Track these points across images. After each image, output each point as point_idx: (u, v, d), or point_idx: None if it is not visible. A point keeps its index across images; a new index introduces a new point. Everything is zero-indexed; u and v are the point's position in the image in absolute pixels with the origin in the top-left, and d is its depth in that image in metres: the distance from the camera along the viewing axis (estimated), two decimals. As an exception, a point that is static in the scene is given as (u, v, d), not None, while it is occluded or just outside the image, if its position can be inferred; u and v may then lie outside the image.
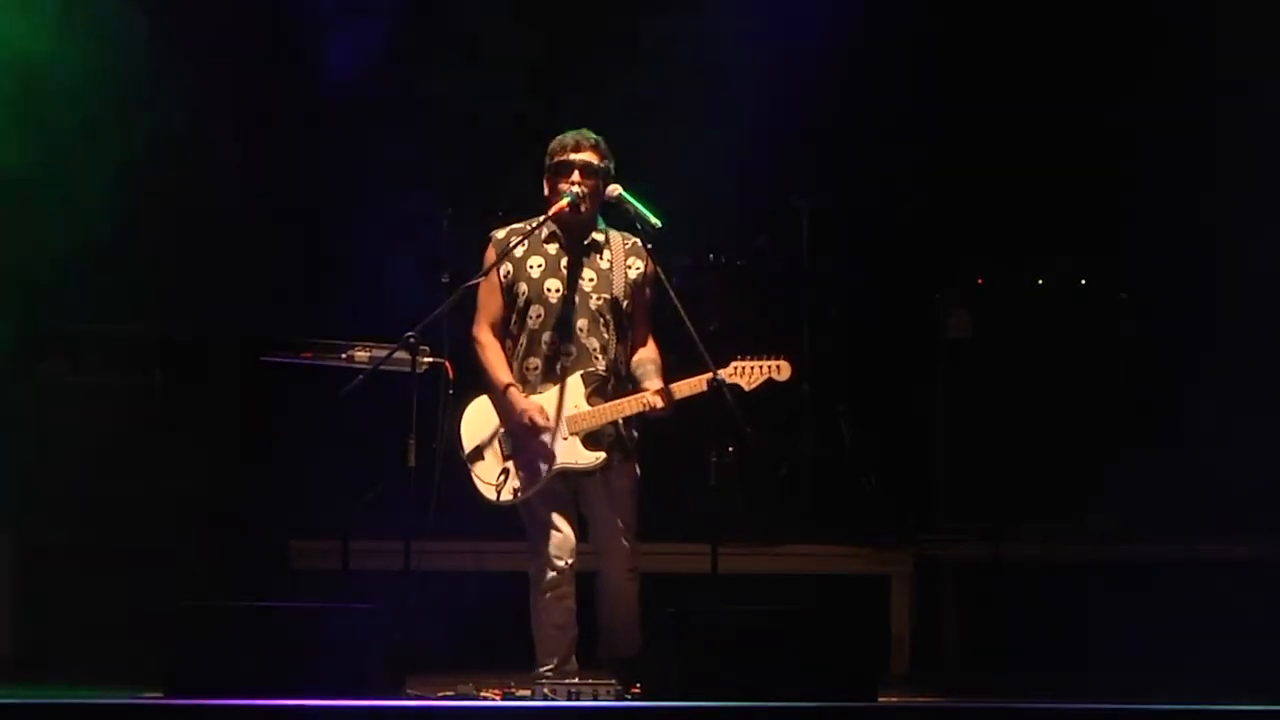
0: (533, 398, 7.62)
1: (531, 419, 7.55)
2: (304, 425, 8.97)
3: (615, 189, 7.64)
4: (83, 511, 8.80)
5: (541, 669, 7.60)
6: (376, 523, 8.07)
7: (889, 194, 9.96)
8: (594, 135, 7.67)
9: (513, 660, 7.85)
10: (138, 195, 9.26)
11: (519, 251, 7.68)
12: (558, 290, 7.66)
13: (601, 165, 7.63)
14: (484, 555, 8.83)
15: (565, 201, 7.61)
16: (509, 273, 7.70)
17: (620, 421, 7.62)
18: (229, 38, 9.57)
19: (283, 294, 9.47)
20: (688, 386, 7.55)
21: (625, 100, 9.41)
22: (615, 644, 7.62)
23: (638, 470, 7.69)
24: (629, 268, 7.72)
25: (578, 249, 7.70)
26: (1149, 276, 9.73)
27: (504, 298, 7.71)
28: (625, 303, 7.68)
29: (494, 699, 7.38)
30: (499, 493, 7.62)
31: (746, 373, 7.59)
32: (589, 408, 7.59)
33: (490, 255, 7.72)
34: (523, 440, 7.61)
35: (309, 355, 8.24)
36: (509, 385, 7.61)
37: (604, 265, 7.70)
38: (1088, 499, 9.37)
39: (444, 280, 8.72)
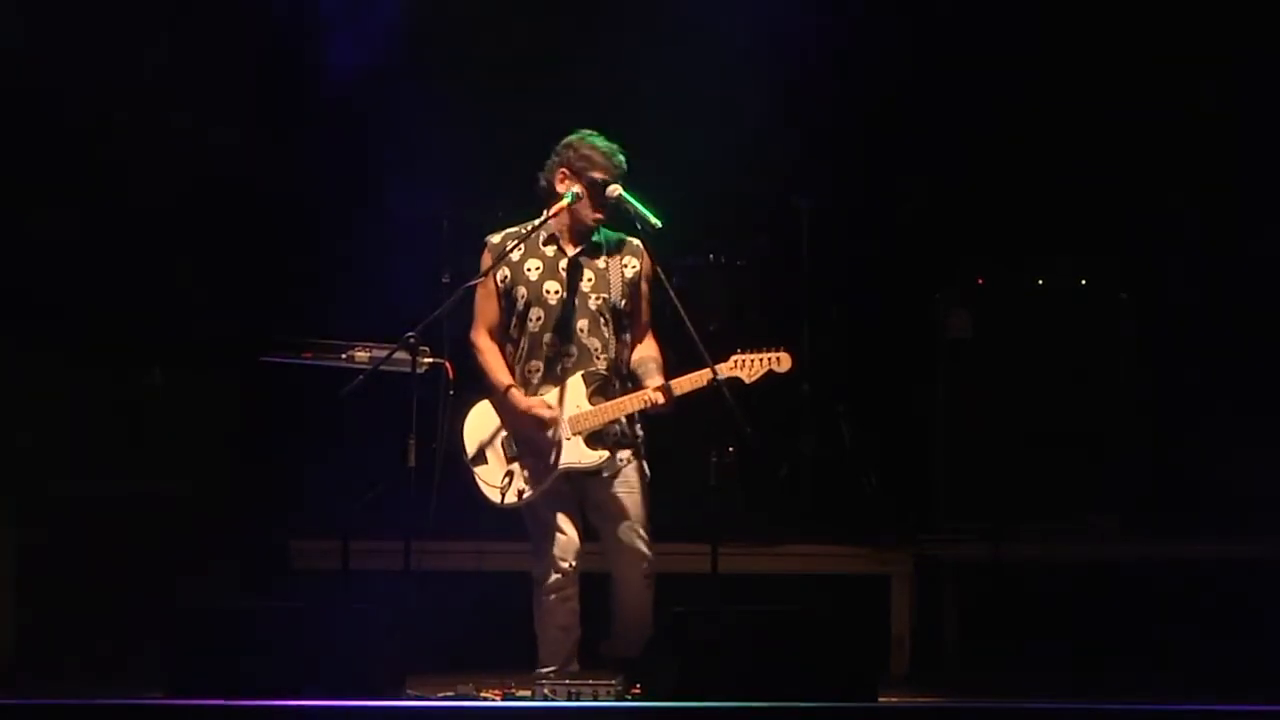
0: (534, 398, 7.61)
1: (538, 416, 7.55)
2: (304, 425, 8.96)
3: (615, 189, 7.64)
4: (83, 511, 8.80)
5: (543, 670, 7.60)
6: (376, 523, 8.07)
7: (889, 194, 9.95)
8: (622, 155, 7.65)
9: (513, 660, 7.85)
10: (138, 195, 9.27)
11: (515, 255, 7.68)
12: (556, 292, 7.66)
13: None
14: (484, 555, 8.82)
15: (566, 201, 7.62)
16: (506, 277, 7.70)
17: (624, 419, 7.62)
18: (230, 37, 9.57)
19: (283, 294, 9.47)
20: (689, 382, 7.56)
21: (625, 100, 9.40)
22: (629, 644, 7.59)
23: (646, 469, 7.69)
24: (625, 267, 7.72)
25: (575, 250, 7.70)
26: (1149, 276, 9.73)
27: (501, 302, 7.71)
28: (624, 302, 7.69)
29: (494, 699, 7.37)
30: (504, 495, 7.62)
31: (747, 365, 7.60)
32: (591, 407, 7.59)
33: (486, 259, 7.72)
34: (528, 440, 7.60)
35: (309, 355, 8.24)
36: (510, 387, 7.61)
37: (601, 265, 7.70)
38: (1088, 499, 9.37)
39: (444, 281, 8.72)
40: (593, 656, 7.72)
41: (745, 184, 9.82)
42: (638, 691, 7.21)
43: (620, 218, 7.71)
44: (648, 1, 9.88)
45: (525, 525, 7.70)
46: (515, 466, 7.63)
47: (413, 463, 7.46)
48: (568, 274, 7.68)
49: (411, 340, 7.51)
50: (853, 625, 7.15)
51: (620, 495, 7.63)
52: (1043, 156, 9.91)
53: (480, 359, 7.69)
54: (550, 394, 7.62)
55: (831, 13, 9.80)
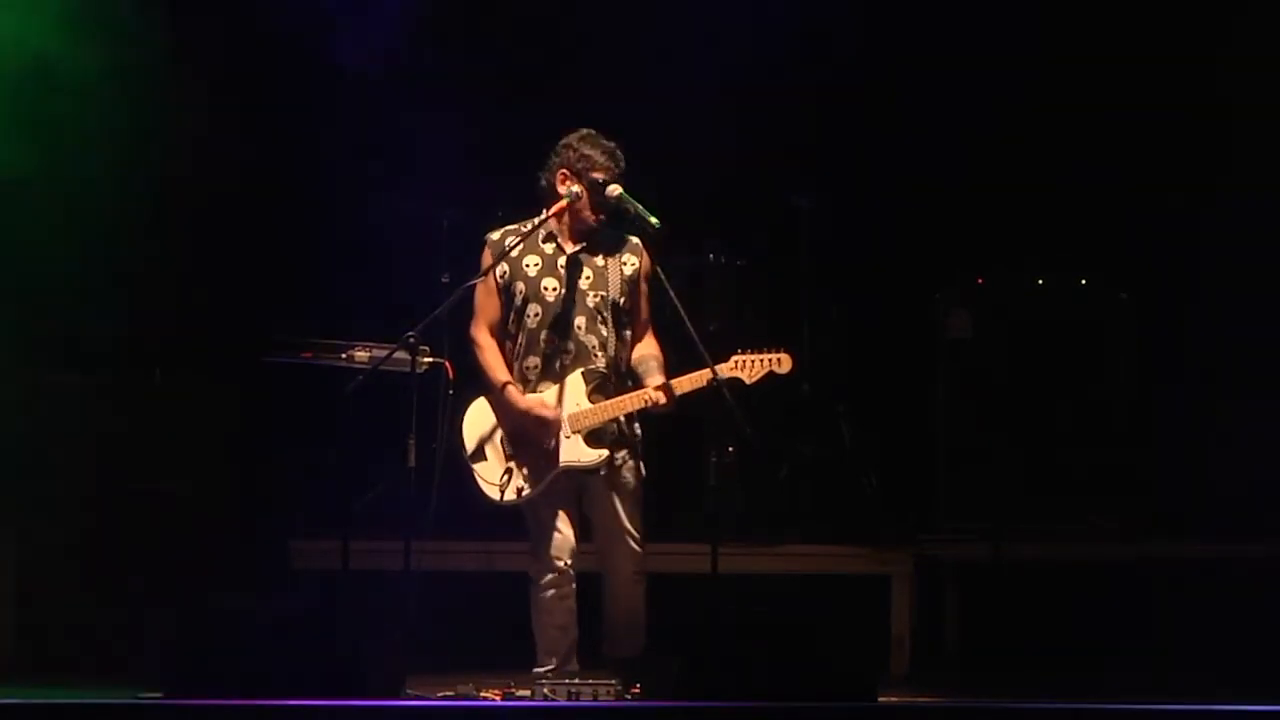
0: (532, 396, 7.62)
1: (536, 415, 7.56)
2: (304, 425, 8.96)
3: (615, 189, 7.64)
4: (83, 511, 8.80)
5: (541, 669, 7.61)
6: (376, 523, 8.07)
7: (889, 194, 9.95)
8: (620, 155, 7.67)
9: (513, 660, 7.84)
10: (138, 195, 9.27)
11: (515, 252, 7.69)
12: (555, 289, 7.67)
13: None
14: (484, 555, 8.82)
15: (566, 201, 7.62)
16: (505, 273, 7.70)
17: (622, 418, 7.62)
18: (231, 38, 9.57)
19: (283, 294, 9.47)
20: (689, 382, 7.56)
21: (625, 100, 9.40)
22: (620, 644, 7.62)
23: (643, 468, 7.70)
24: (624, 265, 7.72)
25: (575, 248, 7.70)
26: (1149, 276, 9.73)
27: (501, 298, 7.71)
28: (623, 300, 7.69)
29: (494, 699, 7.37)
30: (502, 493, 7.62)
31: (747, 366, 7.61)
32: (590, 405, 7.59)
33: (486, 257, 7.72)
34: (525, 439, 7.61)
35: (309, 355, 8.24)
36: (507, 384, 7.61)
37: (600, 263, 7.70)
38: (1088, 499, 9.37)
39: (444, 280, 8.72)
40: (593, 656, 7.72)
41: (745, 184, 9.82)
42: (637, 691, 7.21)
43: (620, 218, 7.71)
44: (648, 1, 9.88)
45: (524, 523, 7.70)
46: (514, 464, 7.63)
47: (413, 463, 7.46)
48: (566, 271, 7.68)
49: (411, 340, 7.51)
50: (853, 625, 7.14)
51: (615, 494, 7.63)
52: (1043, 156, 9.91)
53: (479, 355, 7.70)
54: (549, 391, 7.62)
55: (831, 12, 9.80)
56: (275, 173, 9.59)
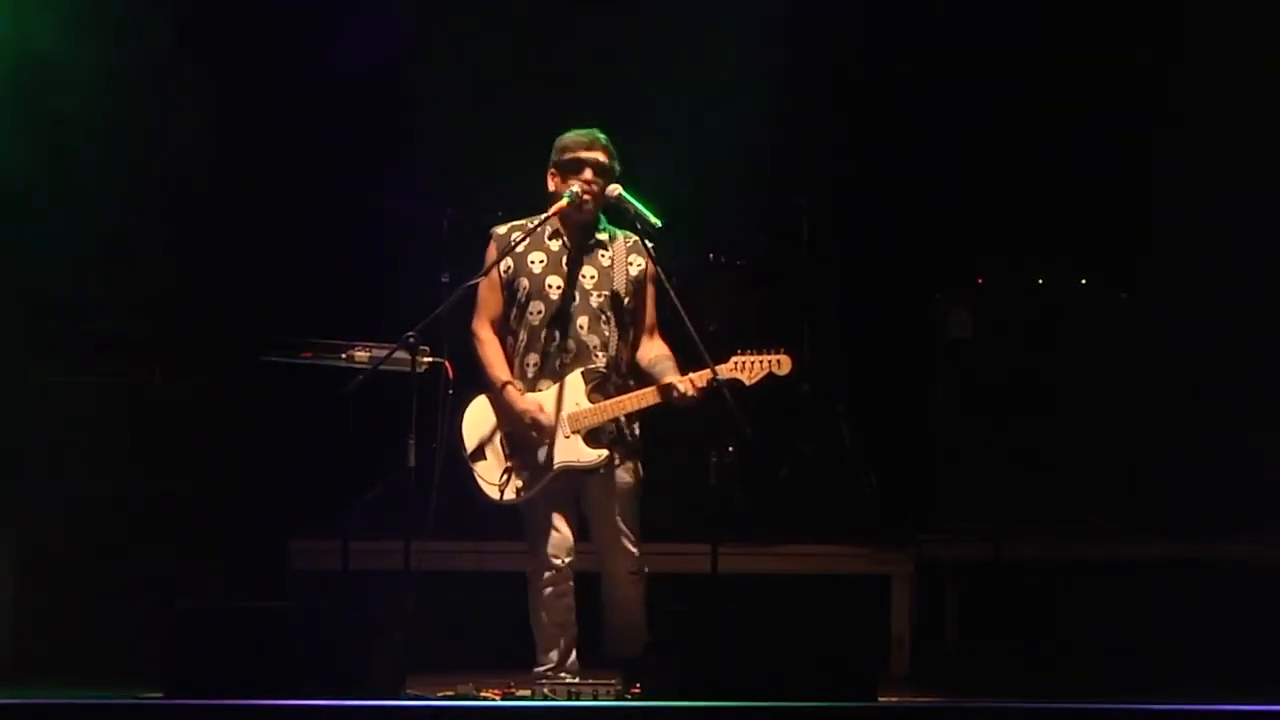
0: (532, 395, 7.63)
1: (533, 418, 7.56)
2: (304, 425, 8.96)
3: (615, 189, 7.65)
4: (83, 511, 8.80)
5: (541, 667, 7.61)
6: (376, 523, 8.07)
7: (889, 194, 9.95)
8: (604, 136, 7.68)
9: (513, 660, 7.84)
10: (139, 195, 9.27)
11: (520, 248, 7.69)
12: (558, 287, 7.67)
13: (609, 165, 7.66)
14: (484, 555, 8.81)
15: (565, 201, 7.62)
16: (510, 268, 7.71)
17: (622, 419, 7.63)
18: (232, 37, 9.57)
19: (283, 294, 9.47)
20: (700, 379, 7.56)
21: (624, 99, 9.40)
22: (621, 644, 7.62)
23: (641, 469, 7.70)
24: (630, 265, 7.73)
25: (580, 246, 7.71)
26: (1149, 276, 9.73)
27: (504, 294, 7.72)
28: (626, 300, 7.69)
29: (494, 699, 7.37)
30: (502, 492, 7.63)
31: (747, 367, 7.61)
32: (590, 405, 7.59)
33: (491, 252, 7.73)
34: (523, 439, 7.61)
35: (309, 355, 8.23)
36: (506, 383, 7.62)
37: (605, 263, 7.71)
38: (1088, 499, 9.36)
39: (444, 280, 8.71)
40: (593, 656, 7.72)
41: (745, 184, 9.81)
42: (637, 691, 7.20)
43: (620, 217, 7.72)
44: (648, 1, 9.88)
45: (522, 523, 7.71)
46: (513, 464, 7.63)
47: (413, 463, 7.46)
48: (570, 269, 7.68)
49: (411, 340, 7.51)
50: (852, 625, 7.14)
51: (613, 494, 7.64)
52: (1043, 156, 9.90)
53: (480, 350, 7.70)
54: (549, 390, 7.62)
55: (831, 11, 9.80)
56: (275, 172, 9.59)
